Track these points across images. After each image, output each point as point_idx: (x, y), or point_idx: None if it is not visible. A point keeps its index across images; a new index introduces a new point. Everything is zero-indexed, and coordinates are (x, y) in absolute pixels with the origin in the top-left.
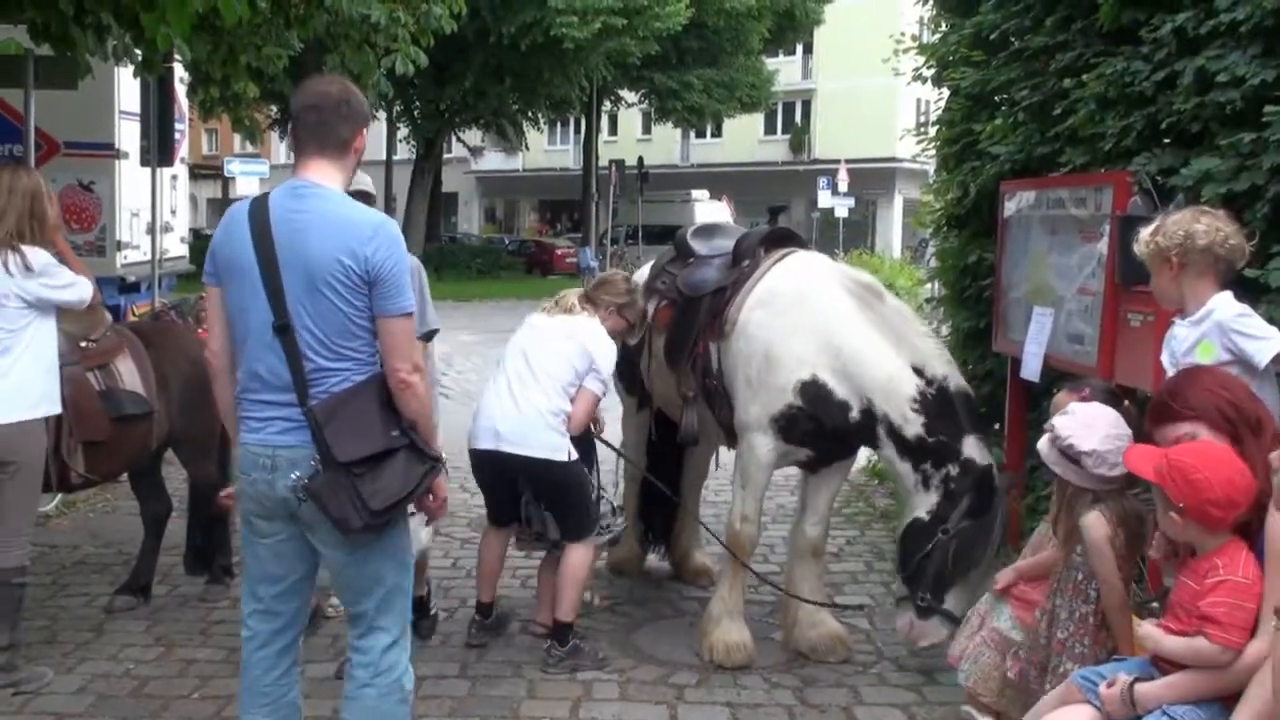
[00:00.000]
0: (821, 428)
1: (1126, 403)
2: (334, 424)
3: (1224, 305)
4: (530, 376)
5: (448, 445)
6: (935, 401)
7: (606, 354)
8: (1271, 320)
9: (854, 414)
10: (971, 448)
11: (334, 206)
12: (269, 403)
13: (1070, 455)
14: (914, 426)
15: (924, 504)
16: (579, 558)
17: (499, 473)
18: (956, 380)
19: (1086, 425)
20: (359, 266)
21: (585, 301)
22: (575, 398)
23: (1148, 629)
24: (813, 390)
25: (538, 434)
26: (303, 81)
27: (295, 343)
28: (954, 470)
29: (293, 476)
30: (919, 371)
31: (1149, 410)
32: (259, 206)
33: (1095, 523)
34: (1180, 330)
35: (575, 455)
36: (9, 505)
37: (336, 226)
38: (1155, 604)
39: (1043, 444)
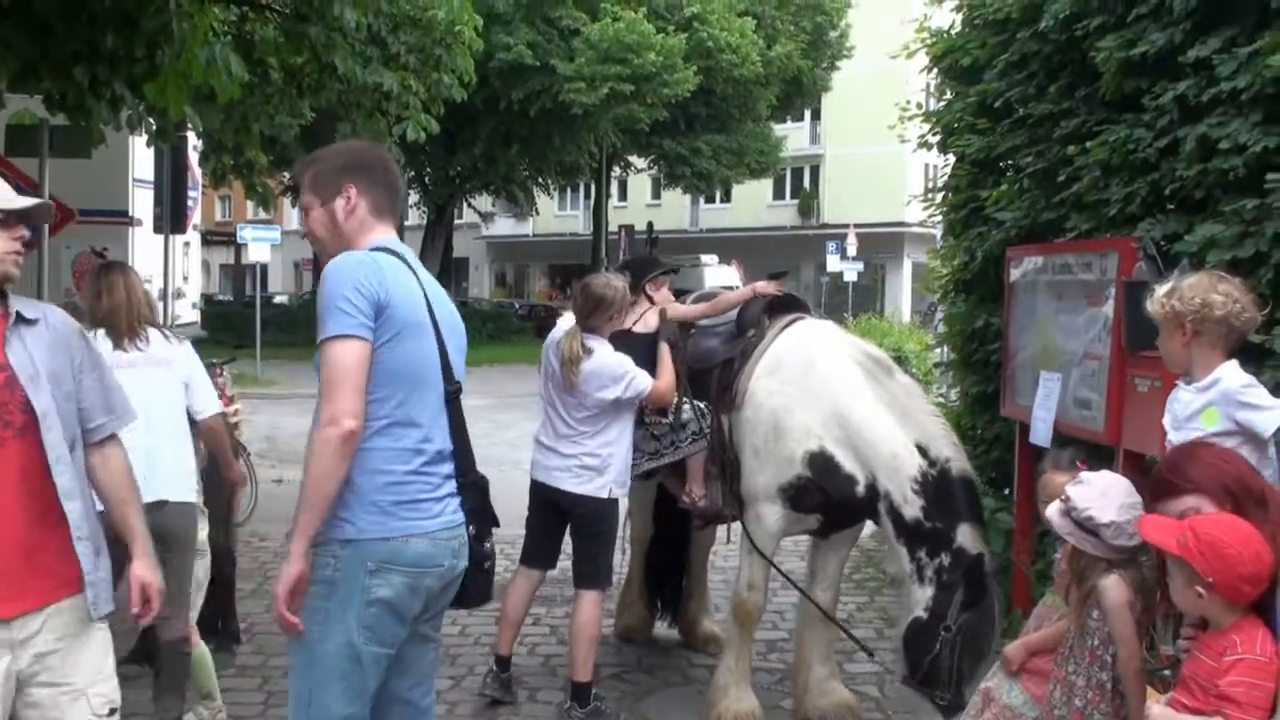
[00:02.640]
0: (830, 498)
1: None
2: None
3: (1230, 375)
4: (564, 428)
5: None
6: (935, 485)
7: (619, 378)
8: (1277, 386)
9: (860, 488)
10: (964, 536)
11: None
12: (446, 478)
13: (1088, 527)
14: (913, 508)
15: (921, 599)
16: (587, 614)
17: (550, 504)
18: (960, 464)
19: (1102, 495)
20: None
21: (587, 337)
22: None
23: (1160, 709)
24: (821, 462)
25: (579, 472)
26: (353, 139)
27: (461, 409)
28: (946, 560)
29: (462, 558)
30: (923, 451)
31: (1150, 485)
32: (406, 262)
33: (1115, 586)
34: (1184, 395)
35: (615, 495)
36: (174, 580)
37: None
38: (1166, 672)
39: (1054, 515)
